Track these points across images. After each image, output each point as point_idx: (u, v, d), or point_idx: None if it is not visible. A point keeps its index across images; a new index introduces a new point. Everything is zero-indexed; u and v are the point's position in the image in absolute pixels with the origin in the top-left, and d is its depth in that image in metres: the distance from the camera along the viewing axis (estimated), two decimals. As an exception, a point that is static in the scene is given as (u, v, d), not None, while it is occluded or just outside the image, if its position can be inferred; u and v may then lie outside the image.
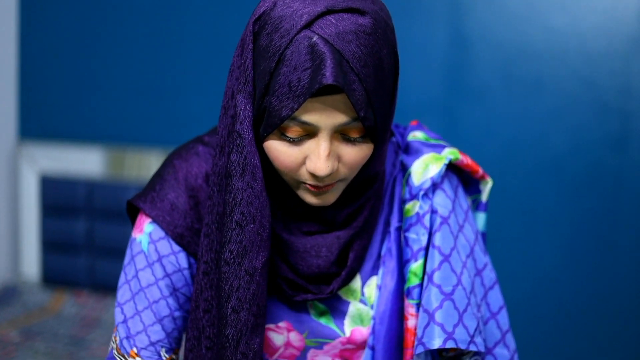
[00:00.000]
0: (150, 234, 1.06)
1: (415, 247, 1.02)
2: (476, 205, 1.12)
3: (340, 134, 0.90)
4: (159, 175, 1.08)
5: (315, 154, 0.89)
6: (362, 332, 1.05)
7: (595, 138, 2.36)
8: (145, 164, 2.78)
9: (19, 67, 3.02)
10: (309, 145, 0.90)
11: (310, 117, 0.87)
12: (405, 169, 1.06)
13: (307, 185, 0.94)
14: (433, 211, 1.02)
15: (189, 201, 1.05)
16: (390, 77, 0.92)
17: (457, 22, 2.45)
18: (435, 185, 1.03)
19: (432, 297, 0.98)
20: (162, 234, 1.05)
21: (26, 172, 2.95)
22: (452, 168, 1.08)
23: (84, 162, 2.88)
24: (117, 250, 2.76)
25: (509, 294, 2.37)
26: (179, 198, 1.05)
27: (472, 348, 0.97)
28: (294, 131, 0.89)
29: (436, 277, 0.99)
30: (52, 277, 2.92)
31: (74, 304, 2.81)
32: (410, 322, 1.02)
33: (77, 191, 2.86)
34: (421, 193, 1.02)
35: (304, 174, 0.92)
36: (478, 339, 0.98)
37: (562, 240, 2.43)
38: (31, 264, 2.97)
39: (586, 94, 2.35)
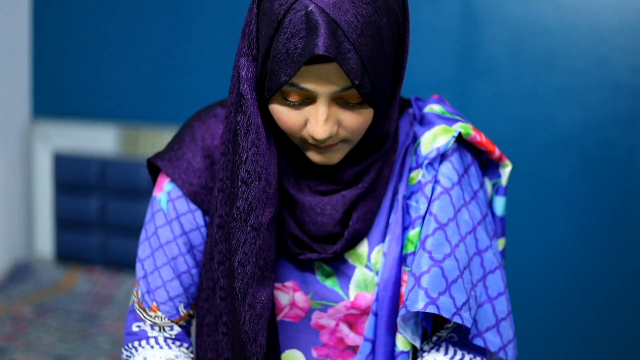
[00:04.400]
0: (169, 193, 1.11)
1: (414, 215, 1.04)
2: (496, 190, 1.12)
3: (340, 99, 0.94)
4: (177, 136, 1.14)
5: (314, 118, 0.94)
6: (366, 297, 1.06)
7: (606, 116, 2.35)
8: (159, 142, 2.79)
9: (32, 44, 3.03)
10: (309, 109, 0.94)
11: (307, 84, 0.91)
12: (416, 139, 1.08)
13: (311, 145, 0.98)
14: (436, 181, 1.03)
15: (204, 161, 1.10)
16: (391, 45, 0.94)
17: (468, -2, 2.43)
18: (442, 157, 1.04)
19: (422, 261, 0.99)
20: (179, 192, 1.11)
21: (40, 150, 2.97)
22: (469, 147, 1.09)
23: (98, 139, 2.90)
24: (129, 228, 2.79)
25: (520, 272, 2.41)
26: (194, 157, 1.10)
27: (457, 320, 0.96)
28: (293, 96, 0.93)
29: (428, 243, 1.00)
30: (65, 254, 2.95)
31: (86, 280, 2.84)
32: (404, 289, 1.03)
33: (90, 169, 2.88)
34: (425, 162, 1.03)
35: (306, 135, 0.97)
36: (465, 314, 0.97)
37: (573, 219, 2.42)
38: (45, 241, 3.00)
39: (597, 71, 2.34)
